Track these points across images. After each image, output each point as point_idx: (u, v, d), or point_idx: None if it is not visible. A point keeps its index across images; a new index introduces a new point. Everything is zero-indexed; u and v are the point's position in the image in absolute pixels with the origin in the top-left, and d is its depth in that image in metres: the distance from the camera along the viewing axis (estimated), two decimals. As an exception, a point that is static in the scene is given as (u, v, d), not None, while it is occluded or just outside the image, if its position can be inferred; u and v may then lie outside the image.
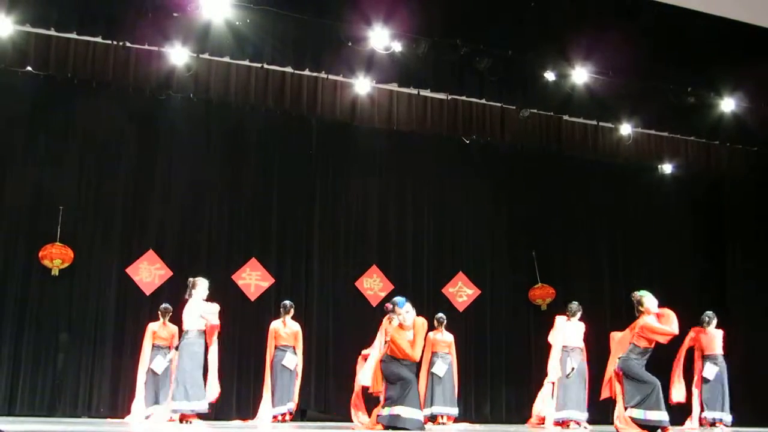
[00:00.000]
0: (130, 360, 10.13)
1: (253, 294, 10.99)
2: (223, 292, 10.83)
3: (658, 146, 12.29)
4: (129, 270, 10.46)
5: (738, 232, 13.48)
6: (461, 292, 12.14)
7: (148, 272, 10.53)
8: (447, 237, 12.39)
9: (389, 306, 7.30)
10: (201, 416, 7.72)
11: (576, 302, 9.31)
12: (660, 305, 7.23)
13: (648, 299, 7.26)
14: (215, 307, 7.70)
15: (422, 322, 7.15)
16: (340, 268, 11.64)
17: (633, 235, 13.37)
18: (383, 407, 6.87)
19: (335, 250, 11.67)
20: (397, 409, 6.68)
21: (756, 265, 13.11)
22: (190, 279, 7.81)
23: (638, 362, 7.10)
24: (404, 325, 6.85)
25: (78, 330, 10.17)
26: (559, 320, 9.19)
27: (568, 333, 9.04)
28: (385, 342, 7.10)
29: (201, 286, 7.72)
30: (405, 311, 6.87)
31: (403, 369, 6.88)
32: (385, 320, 7.40)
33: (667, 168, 12.79)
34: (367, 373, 7.07)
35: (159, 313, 9.36)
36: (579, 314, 9.14)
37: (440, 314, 10.18)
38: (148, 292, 10.47)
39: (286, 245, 11.40)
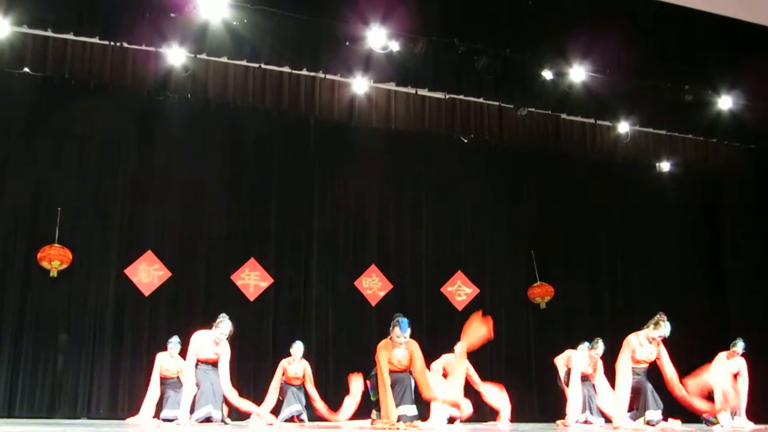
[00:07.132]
0: (129, 361, 10.15)
1: (252, 294, 10.98)
2: (222, 293, 10.87)
3: (656, 144, 12.28)
4: (128, 271, 10.45)
5: (736, 229, 13.49)
6: (460, 291, 12.14)
7: (147, 273, 10.53)
8: (445, 236, 12.39)
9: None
10: None
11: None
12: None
13: (662, 330, 7.35)
14: None
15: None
16: (339, 267, 11.64)
17: (631, 232, 13.40)
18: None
19: (334, 250, 11.67)
20: (401, 409, 6.72)
21: (753, 263, 13.12)
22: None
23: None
24: (395, 341, 6.79)
25: (77, 331, 10.16)
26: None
27: None
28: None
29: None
30: (404, 338, 6.79)
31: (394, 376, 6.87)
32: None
33: (665, 166, 12.78)
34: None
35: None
36: None
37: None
38: (146, 293, 10.47)
39: (284, 245, 11.40)
